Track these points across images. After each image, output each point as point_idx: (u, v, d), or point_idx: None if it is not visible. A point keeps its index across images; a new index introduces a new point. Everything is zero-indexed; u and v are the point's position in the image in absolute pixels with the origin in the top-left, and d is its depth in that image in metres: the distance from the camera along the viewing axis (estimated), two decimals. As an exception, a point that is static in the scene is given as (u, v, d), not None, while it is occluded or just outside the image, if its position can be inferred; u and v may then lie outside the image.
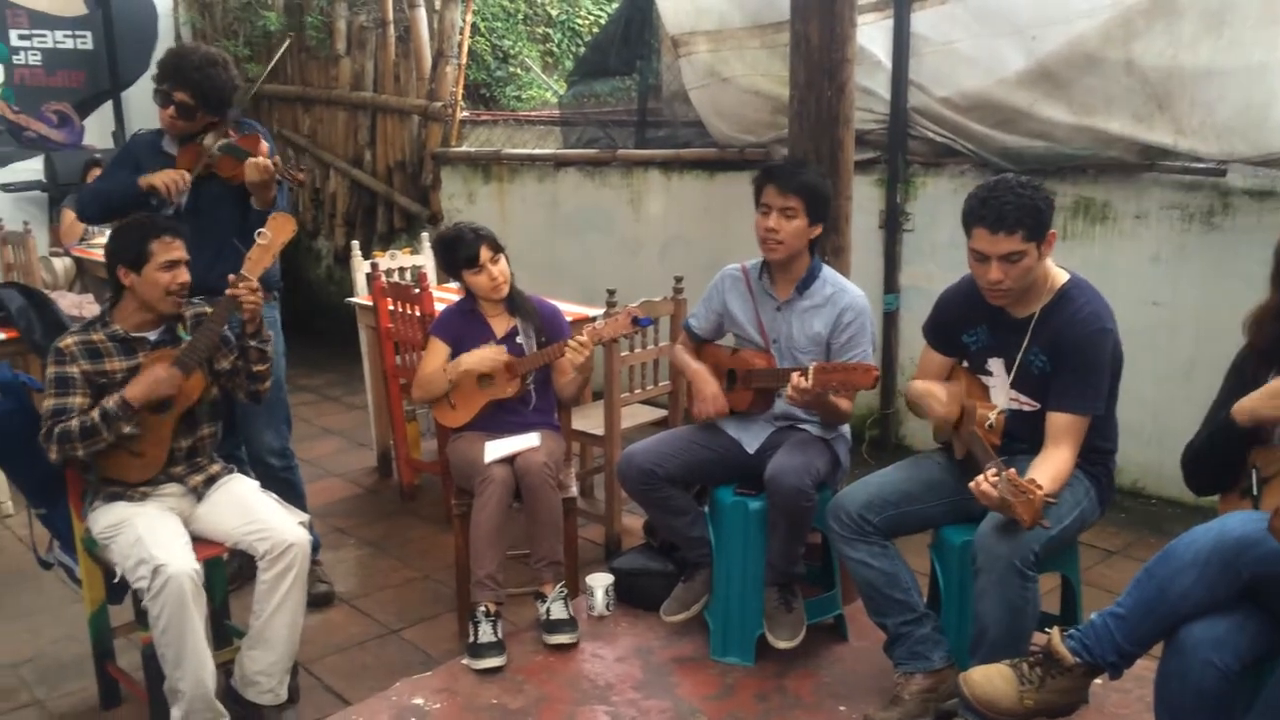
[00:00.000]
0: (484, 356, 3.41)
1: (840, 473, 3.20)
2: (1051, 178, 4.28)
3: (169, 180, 3.35)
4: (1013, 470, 2.35)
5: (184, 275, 2.89)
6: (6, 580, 3.92)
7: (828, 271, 3.18)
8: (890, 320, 4.98)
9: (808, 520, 3.00)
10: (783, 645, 3.04)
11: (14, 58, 8.00)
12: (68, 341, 2.86)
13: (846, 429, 3.24)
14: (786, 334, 3.14)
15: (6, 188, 7.95)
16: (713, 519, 3.20)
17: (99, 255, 5.68)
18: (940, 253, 4.76)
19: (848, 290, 3.13)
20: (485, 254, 3.41)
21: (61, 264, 6.44)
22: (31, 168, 8.07)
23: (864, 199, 4.78)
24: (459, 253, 3.43)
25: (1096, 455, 2.71)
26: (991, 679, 2.30)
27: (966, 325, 2.83)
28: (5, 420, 2.91)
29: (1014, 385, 2.73)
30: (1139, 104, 4.05)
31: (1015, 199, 2.53)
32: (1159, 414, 4.18)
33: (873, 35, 4.69)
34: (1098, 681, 2.63)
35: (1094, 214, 4.33)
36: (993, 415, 2.68)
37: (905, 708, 2.68)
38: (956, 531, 2.79)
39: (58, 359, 2.83)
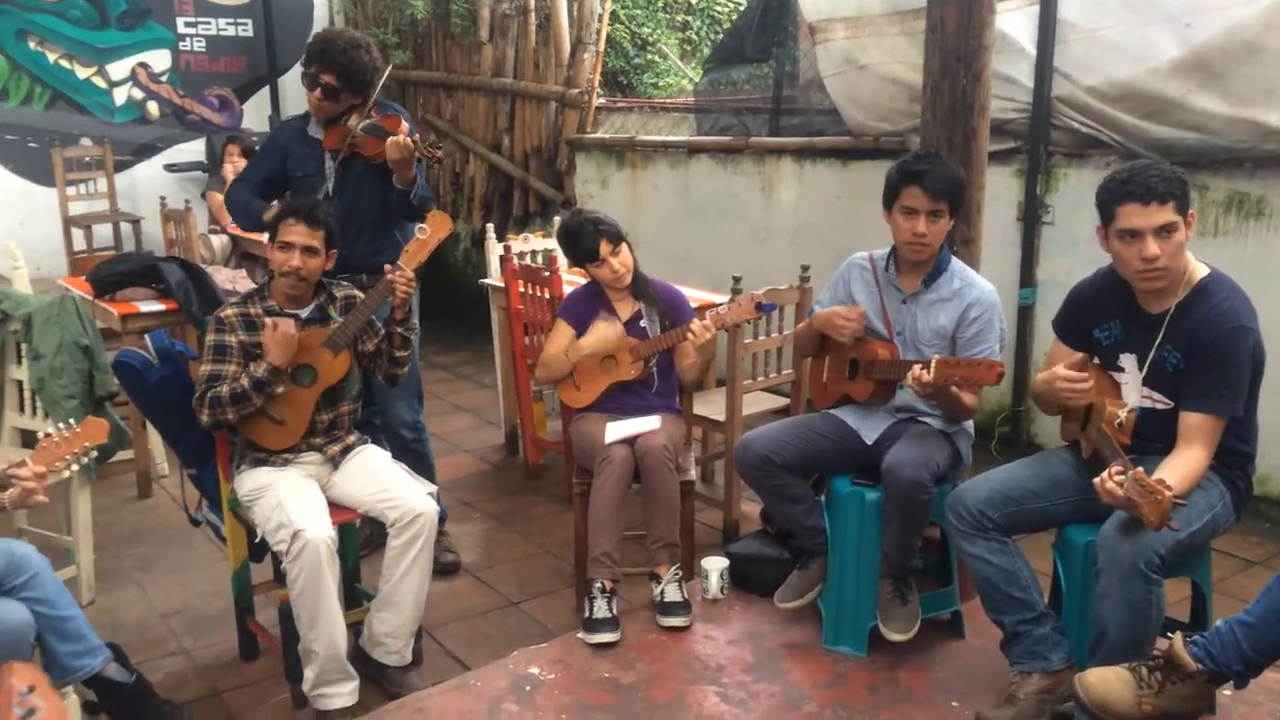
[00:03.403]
0: (601, 337, 3.46)
1: (961, 468, 3.15)
2: (1203, 171, 4.10)
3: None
4: (1140, 469, 2.28)
5: (294, 260, 2.97)
6: (161, 536, 4.19)
7: (956, 264, 3.13)
8: (1025, 315, 4.85)
9: (925, 513, 2.96)
10: (895, 637, 3.01)
11: (180, 44, 8.47)
12: (228, 312, 3.04)
13: (970, 424, 3.19)
14: (911, 326, 3.11)
15: (171, 168, 8.43)
16: (829, 508, 3.20)
17: (253, 234, 5.98)
18: (1081, 247, 4.60)
19: (976, 284, 3.07)
20: (605, 248, 3.46)
21: (219, 241, 6.79)
22: (194, 149, 8.55)
23: (1002, 190, 4.67)
24: (579, 246, 3.49)
25: (1233, 459, 2.61)
26: (1108, 681, 2.25)
27: (1099, 320, 2.75)
28: (162, 385, 3.10)
29: (1147, 382, 2.64)
30: (1301, 94, 3.85)
31: (1159, 172, 2.49)
32: (1311, 421, 3.96)
33: (1017, 22, 4.56)
34: (1226, 692, 2.55)
35: (1249, 209, 4.12)
36: (1123, 413, 2.59)
37: (1019, 707, 2.63)
38: (1081, 531, 2.72)
39: (218, 328, 3.01)
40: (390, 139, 3.44)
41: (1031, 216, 4.76)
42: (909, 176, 2.99)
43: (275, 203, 3.65)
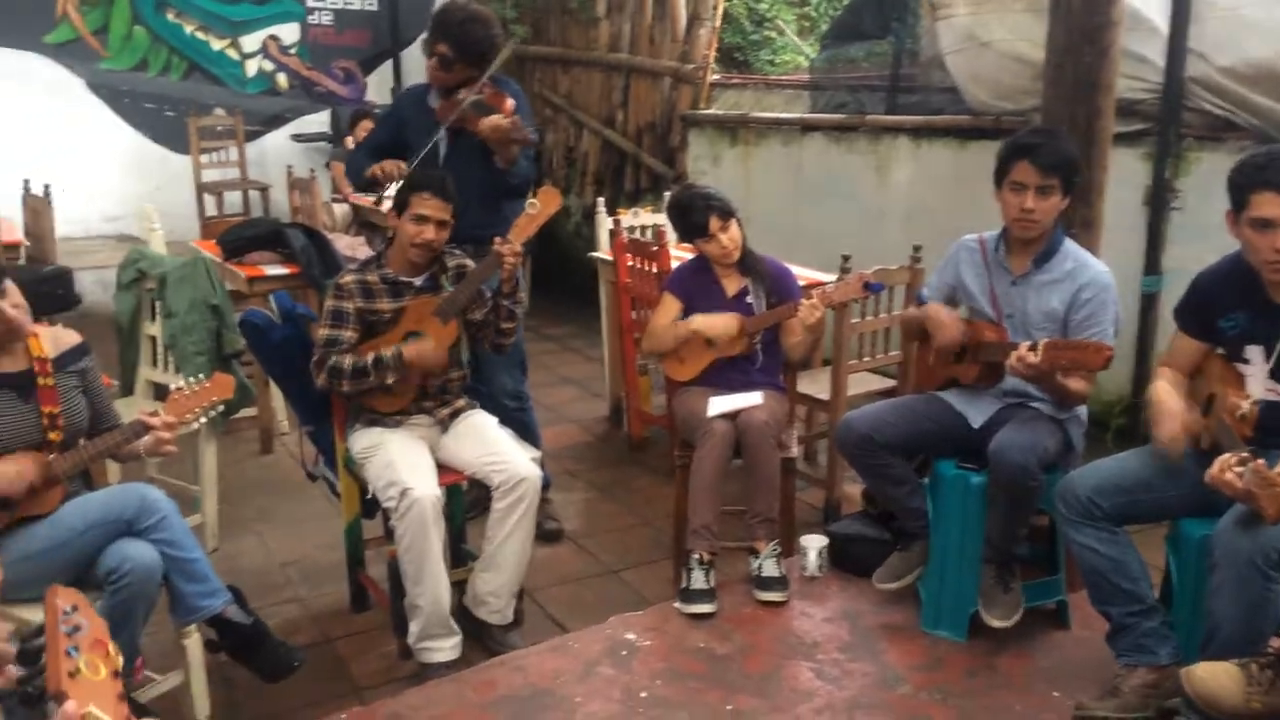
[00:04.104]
0: (714, 324, 3.46)
1: (1072, 456, 3.07)
2: (1346, 157, 3.90)
3: (384, 170, 3.64)
4: (1261, 461, 2.20)
5: (429, 233, 3.06)
6: (281, 490, 4.37)
7: (1069, 245, 3.04)
8: (1149, 304, 4.68)
9: (1031, 500, 2.91)
10: (996, 624, 2.96)
11: (309, 18, 8.73)
12: (347, 279, 3.15)
13: (1083, 410, 3.11)
14: (1021, 309, 3.04)
15: (297, 138, 8.72)
16: (932, 491, 3.16)
17: (364, 197, 6.16)
18: (1213, 234, 4.35)
19: (1090, 265, 2.99)
20: (715, 224, 3.45)
21: (340, 209, 6.98)
22: (319, 120, 8.83)
23: (1129, 173, 4.51)
24: (689, 220, 3.50)
25: (1363, 456, 2.49)
26: (1216, 676, 2.19)
27: (1225, 310, 2.65)
28: (285, 345, 3.23)
29: (1273, 375, 2.54)
30: None
31: None
32: None
33: (1150, -1, 4.40)
34: (1344, 698, 2.44)
35: (1394, 198, 3.90)
36: (1245, 405, 2.50)
37: (1123, 700, 2.57)
38: (1196, 524, 2.64)
39: (336, 294, 3.12)
40: (485, 119, 3.49)
41: (1159, 201, 4.58)
42: (1018, 151, 2.93)
43: (386, 163, 3.73)
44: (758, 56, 7.87)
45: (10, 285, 2.49)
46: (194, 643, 2.68)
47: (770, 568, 3.27)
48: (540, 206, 3.20)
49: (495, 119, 3.48)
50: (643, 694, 2.81)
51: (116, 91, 8.16)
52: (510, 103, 3.56)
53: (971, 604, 3.05)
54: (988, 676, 2.91)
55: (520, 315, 3.32)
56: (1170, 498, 2.65)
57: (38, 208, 6.12)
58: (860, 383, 4.13)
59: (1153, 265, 4.64)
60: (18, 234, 6.00)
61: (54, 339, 2.67)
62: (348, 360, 3.03)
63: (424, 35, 3.86)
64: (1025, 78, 4.83)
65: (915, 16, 5.67)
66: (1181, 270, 4.50)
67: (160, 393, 3.79)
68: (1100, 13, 3.46)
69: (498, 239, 3.14)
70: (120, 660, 1.03)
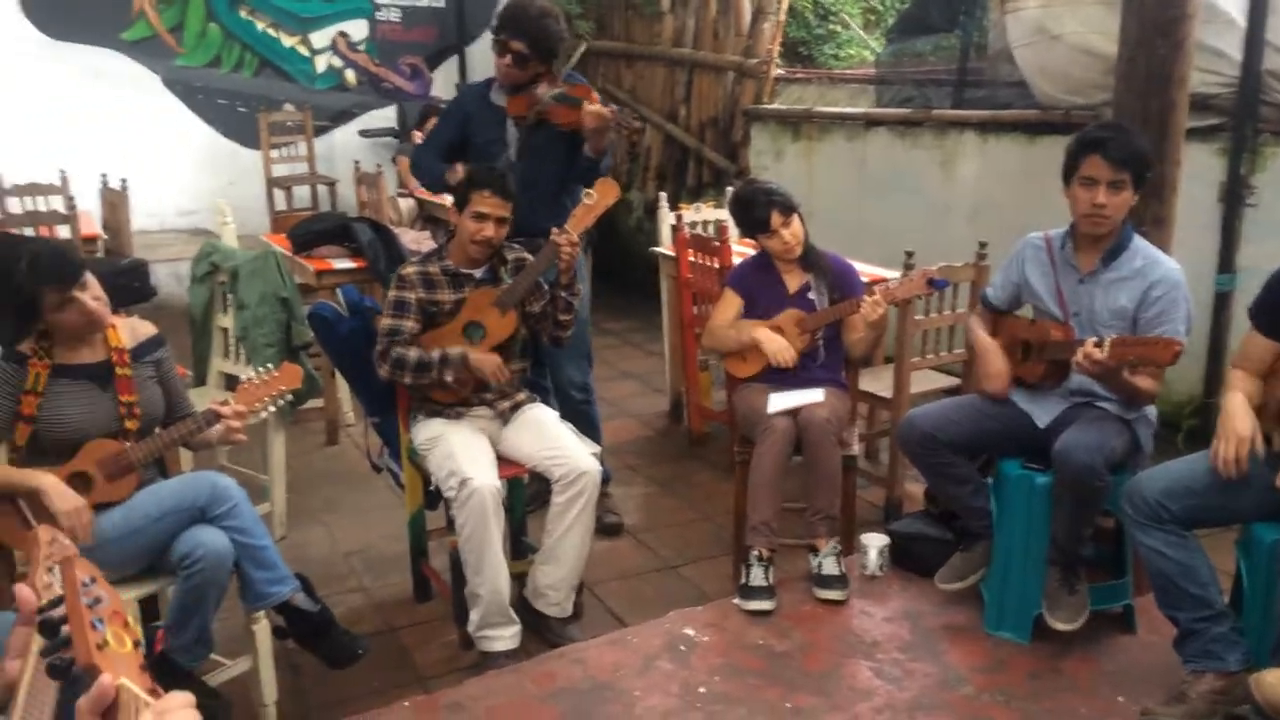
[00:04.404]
0: (776, 348, 3.43)
1: (1140, 457, 3.02)
2: None
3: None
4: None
5: (488, 230, 3.09)
6: (347, 480, 4.45)
7: (1139, 242, 2.98)
8: (1222, 303, 4.57)
9: (1097, 501, 2.86)
10: (1061, 627, 2.92)
11: (377, 14, 8.85)
12: (409, 270, 3.20)
13: (1152, 411, 3.05)
14: (1089, 307, 2.98)
15: (365, 133, 8.84)
16: (996, 491, 3.12)
17: (438, 198, 6.23)
18: None
19: (1161, 262, 2.93)
20: (777, 219, 3.43)
21: (406, 204, 7.08)
22: (386, 115, 8.95)
23: (1203, 169, 4.41)
24: (751, 216, 3.49)
25: None
26: (1287, 685, 2.14)
27: (1302, 308, 2.59)
28: (351, 337, 3.29)
29: (1351, 377, 2.48)
30: None
31: None
32: None
33: (1227, -9, 4.29)
34: None
35: None
36: (1320, 408, 2.44)
37: (1190, 706, 2.53)
38: (1267, 529, 2.58)
39: (399, 284, 3.17)
40: (588, 107, 3.50)
41: (1234, 197, 4.47)
42: (1089, 145, 2.87)
43: (458, 166, 3.79)
44: (822, 51, 7.81)
45: (90, 278, 2.57)
46: (262, 629, 2.74)
47: (830, 566, 3.26)
48: (597, 197, 3.22)
49: (598, 107, 3.49)
50: (701, 689, 2.82)
51: (190, 87, 8.35)
52: (595, 94, 3.58)
53: (1035, 606, 3.01)
54: (1051, 680, 2.87)
55: (579, 307, 3.34)
56: (1241, 501, 2.60)
57: (115, 201, 6.30)
58: (923, 380, 4.09)
59: (1226, 263, 4.54)
60: (96, 227, 6.19)
61: (131, 330, 2.74)
62: (413, 353, 3.08)
63: (489, 32, 3.85)
64: (1096, 71, 4.74)
65: (983, 9, 5.59)
66: (1256, 268, 4.40)
67: (231, 383, 3.87)
68: (1174, 5, 3.39)
69: (555, 229, 3.17)
70: (140, 631, 1.05)
